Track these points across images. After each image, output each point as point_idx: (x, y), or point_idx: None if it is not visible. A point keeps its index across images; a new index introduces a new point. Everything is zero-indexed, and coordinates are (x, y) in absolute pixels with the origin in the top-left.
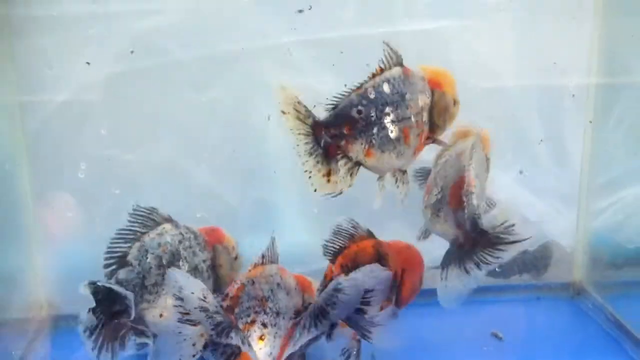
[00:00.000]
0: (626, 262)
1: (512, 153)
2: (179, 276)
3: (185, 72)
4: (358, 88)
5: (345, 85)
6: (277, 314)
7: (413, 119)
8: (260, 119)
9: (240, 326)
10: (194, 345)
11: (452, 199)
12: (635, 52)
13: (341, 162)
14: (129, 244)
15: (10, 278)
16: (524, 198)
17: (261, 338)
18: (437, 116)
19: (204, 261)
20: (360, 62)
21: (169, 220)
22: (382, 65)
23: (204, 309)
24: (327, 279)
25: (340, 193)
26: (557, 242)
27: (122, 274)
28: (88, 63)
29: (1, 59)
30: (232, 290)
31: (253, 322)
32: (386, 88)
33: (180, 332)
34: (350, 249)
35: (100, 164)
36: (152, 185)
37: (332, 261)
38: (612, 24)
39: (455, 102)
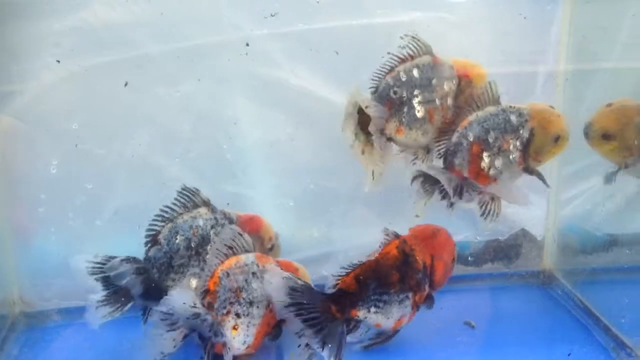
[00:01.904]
0: (595, 250)
1: None
2: (172, 298)
3: (157, 66)
4: (390, 71)
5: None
6: (251, 303)
7: (438, 102)
8: (234, 113)
9: (218, 319)
10: (173, 339)
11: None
12: (604, 39)
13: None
14: (163, 224)
15: None
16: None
17: (234, 328)
18: (463, 101)
19: None
20: (334, 54)
21: (207, 203)
22: (412, 53)
23: (197, 315)
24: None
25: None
26: (528, 230)
27: (152, 251)
28: (58, 61)
29: None
30: (210, 285)
31: (228, 313)
32: (416, 73)
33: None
34: (372, 259)
35: (73, 158)
36: (125, 179)
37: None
38: (582, 11)
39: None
